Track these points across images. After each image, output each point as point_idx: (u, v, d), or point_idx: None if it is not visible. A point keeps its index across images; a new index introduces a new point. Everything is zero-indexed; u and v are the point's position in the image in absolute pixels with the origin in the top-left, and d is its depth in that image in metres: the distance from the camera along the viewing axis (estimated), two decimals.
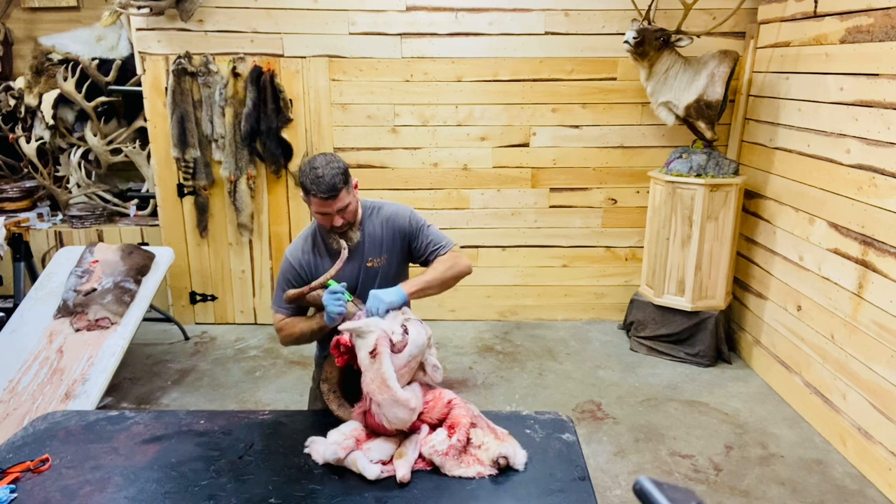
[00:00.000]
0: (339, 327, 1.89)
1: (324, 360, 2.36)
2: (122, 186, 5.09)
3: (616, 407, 3.55)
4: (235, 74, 4.17)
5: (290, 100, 4.27)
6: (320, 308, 2.05)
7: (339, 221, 2.08)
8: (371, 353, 1.81)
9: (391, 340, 1.84)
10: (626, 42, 3.68)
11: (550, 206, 4.54)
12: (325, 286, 2.02)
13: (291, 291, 2.08)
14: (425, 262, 2.26)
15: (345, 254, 2.02)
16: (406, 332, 1.87)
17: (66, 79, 4.53)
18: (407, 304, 2.05)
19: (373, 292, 1.97)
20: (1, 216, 4.40)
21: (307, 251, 2.19)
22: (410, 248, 2.25)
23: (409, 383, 1.91)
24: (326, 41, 4.22)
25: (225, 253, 4.56)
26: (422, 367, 1.94)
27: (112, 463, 1.84)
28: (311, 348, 2.46)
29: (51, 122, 4.69)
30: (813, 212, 3.40)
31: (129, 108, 4.85)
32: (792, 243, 3.60)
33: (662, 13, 4.06)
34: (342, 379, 2.04)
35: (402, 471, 1.74)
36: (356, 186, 2.14)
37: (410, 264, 2.34)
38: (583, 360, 4.11)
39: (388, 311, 1.94)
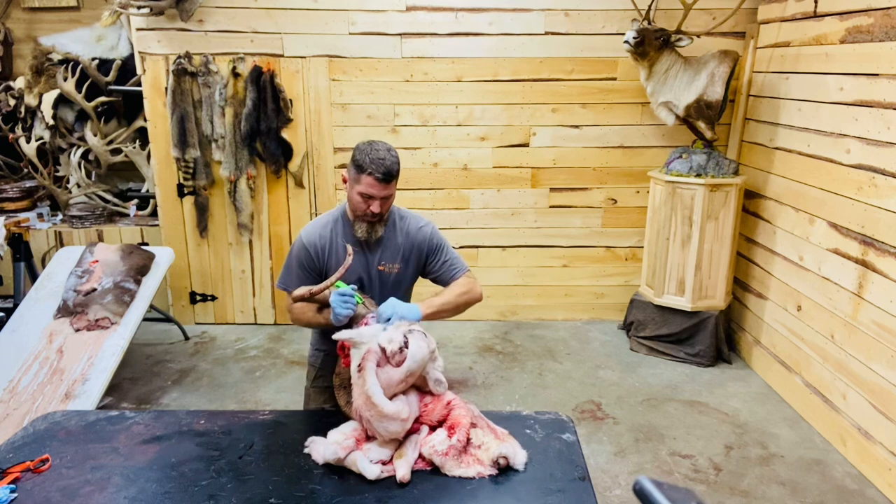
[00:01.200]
0: (335, 336, 1.87)
1: (317, 359, 2.37)
2: (122, 186, 5.09)
3: (616, 407, 3.55)
4: (235, 74, 4.17)
5: (290, 100, 4.27)
6: (327, 305, 2.05)
7: (377, 208, 2.08)
8: (358, 366, 1.80)
9: (387, 352, 1.81)
10: (626, 42, 3.68)
11: (550, 206, 4.54)
12: (334, 286, 2.02)
13: (297, 292, 2.08)
14: (437, 280, 2.26)
15: (349, 260, 2.01)
16: (406, 345, 1.83)
17: (66, 79, 4.53)
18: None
19: (391, 301, 1.97)
20: (1, 216, 4.40)
21: (325, 237, 2.18)
22: (426, 263, 2.25)
23: (405, 392, 1.89)
24: (326, 41, 4.22)
25: (225, 253, 4.56)
26: (424, 380, 1.92)
27: (112, 463, 1.84)
28: (309, 347, 2.45)
29: (51, 122, 4.69)
30: (813, 212, 3.40)
31: (129, 108, 4.85)
32: (792, 243, 3.60)
33: (662, 13, 4.06)
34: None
35: (402, 471, 1.74)
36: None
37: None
38: (583, 360, 4.11)
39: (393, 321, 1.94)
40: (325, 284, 1.99)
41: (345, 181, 2.14)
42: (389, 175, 2.04)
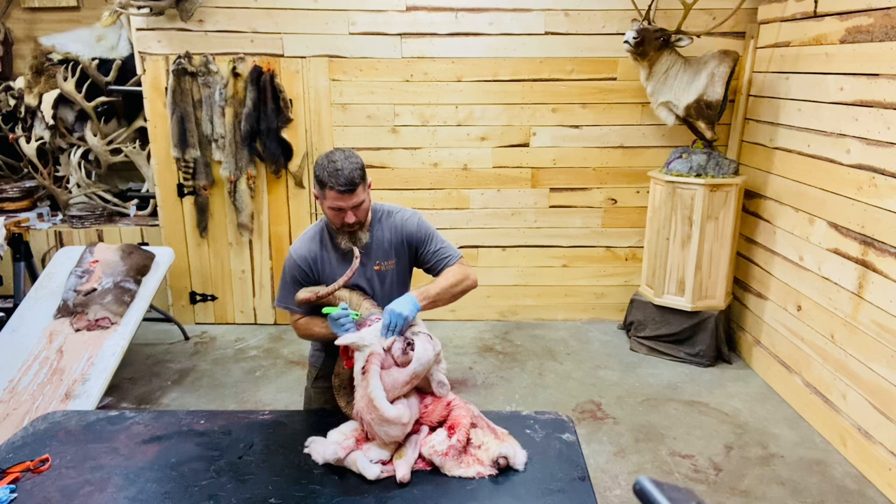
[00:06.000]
0: (337, 342, 1.88)
1: (318, 359, 2.37)
2: (122, 186, 5.09)
3: (616, 407, 3.55)
4: (235, 74, 4.17)
5: (290, 100, 4.27)
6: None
7: (351, 218, 2.06)
8: (362, 369, 1.80)
9: (393, 355, 1.81)
10: (626, 42, 3.68)
11: (550, 206, 4.54)
12: (343, 286, 2.01)
13: (302, 295, 2.07)
14: (430, 270, 2.26)
15: (356, 263, 2.01)
16: (412, 348, 1.83)
17: (66, 79, 4.53)
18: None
19: (389, 308, 1.95)
20: (1, 216, 4.40)
21: (314, 249, 2.18)
22: (417, 253, 2.25)
23: (407, 395, 1.88)
24: (326, 41, 4.22)
25: (225, 253, 4.56)
26: (426, 381, 1.91)
27: (112, 463, 1.84)
28: (309, 348, 2.45)
29: (51, 122, 4.69)
30: (813, 212, 3.40)
31: (129, 108, 4.85)
32: (792, 243, 3.60)
33: (662, 13, 4.06)
34: (353, 376, 2.03)
35: (402, 471, 1.74)
36: (370, 185, 2.14)
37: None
38: (583, 360, 4.11)
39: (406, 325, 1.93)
40: (333, 288, 1.99)
41: (316, 197, 2.12)
42: (350, 184, 2.00)
